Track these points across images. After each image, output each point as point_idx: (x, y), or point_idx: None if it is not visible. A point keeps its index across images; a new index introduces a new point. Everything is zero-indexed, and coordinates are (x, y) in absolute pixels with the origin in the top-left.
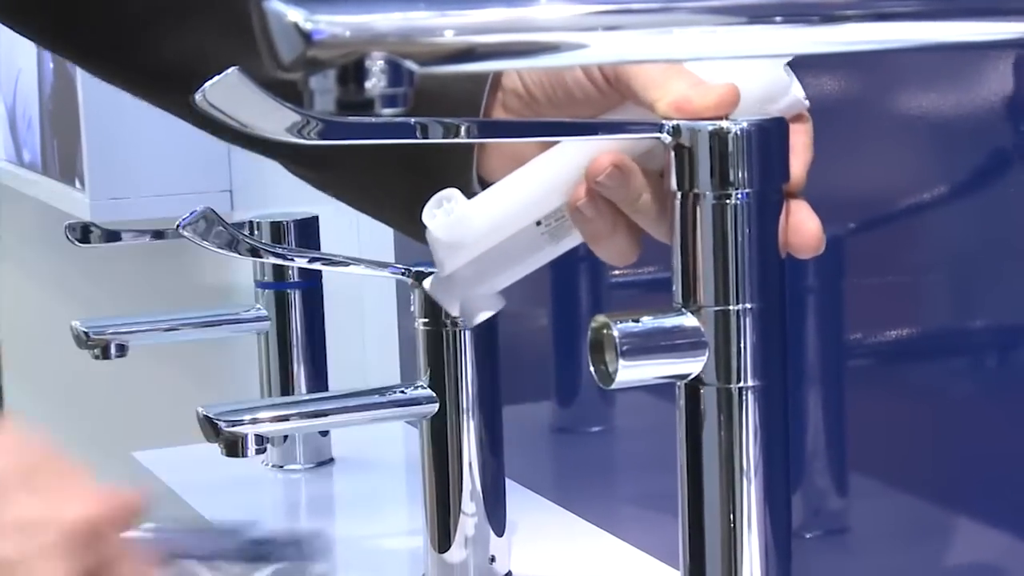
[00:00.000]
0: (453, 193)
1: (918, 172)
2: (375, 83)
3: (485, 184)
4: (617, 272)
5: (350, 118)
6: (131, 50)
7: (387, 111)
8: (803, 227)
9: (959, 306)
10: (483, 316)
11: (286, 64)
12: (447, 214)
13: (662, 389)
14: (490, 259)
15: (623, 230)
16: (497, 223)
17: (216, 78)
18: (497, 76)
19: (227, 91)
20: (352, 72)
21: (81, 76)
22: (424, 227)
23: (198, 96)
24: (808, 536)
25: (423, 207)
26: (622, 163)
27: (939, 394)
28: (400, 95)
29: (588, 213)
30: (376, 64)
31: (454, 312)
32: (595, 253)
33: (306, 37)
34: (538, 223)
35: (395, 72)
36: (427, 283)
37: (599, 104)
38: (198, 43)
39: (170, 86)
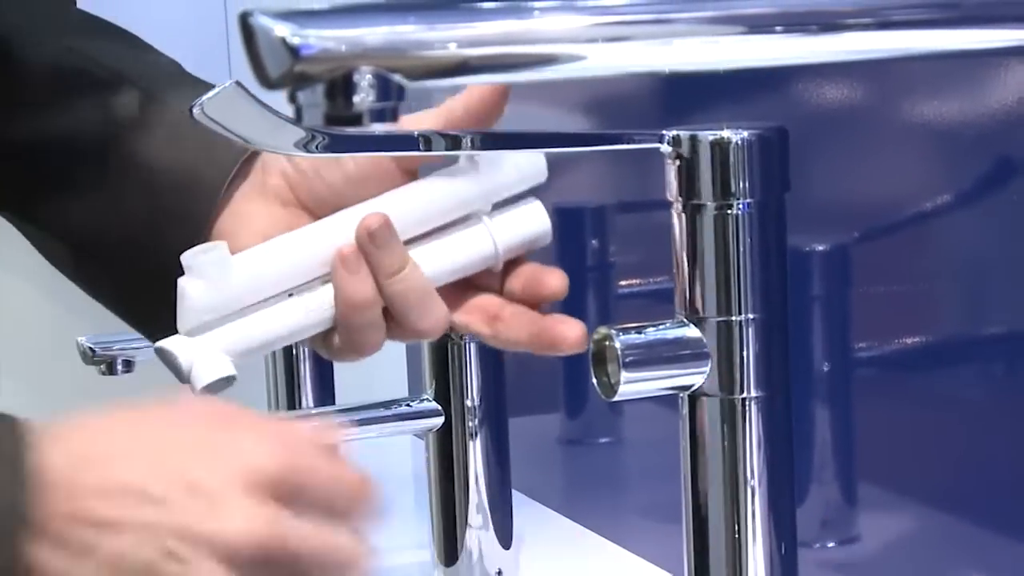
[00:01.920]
0: (220, 244)
1: (923, 180)
2: (363, 98)
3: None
4: (624, 283)
5: (348, 130)
6: (30, 217)
7: (376, 126)
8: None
9: (967, 314)
10: (213, 381)
11: (273, 79)
12: (208, 264)
13: (670, 400)
14: (234, 322)
15: (378, 311)
16: (255, 283)
17: (214, 90)
18: (247, 162)
19: (226, 104)
20: (340, 87)
21: None
22: (146, 318)
23: (196, 109)
24: (817, 546)
25: (143, 300)
26: (391, 224)
27: (949, 403)
28: (389, 109)
29: (351, 268)
30: (364, 78)
31: (182, 377)
32: (334, 342)
33: (294, 52)
34: (290, 294)
35: (384, 86)
36: (161, 343)
37: (381, 178)
38: (98, 210)
39: (66, 253)
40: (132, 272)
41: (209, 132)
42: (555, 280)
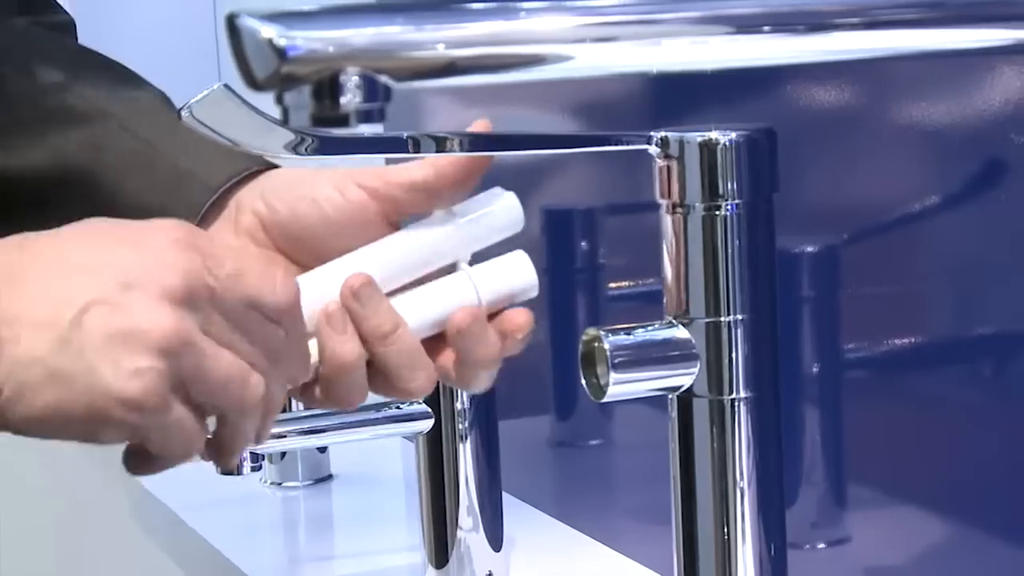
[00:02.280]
0: None
1: (911, 182)
2: (350, 99)
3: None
4: (614, 285)
5: (335, 132)
6: None
7: (362, 127)
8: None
9: (956, 315)
10: None
11: (260, 81)
12: None
13: (659, 401)
14: None
15: (363, 370)
16: None
17: (202, 93)
18: (220, 200)
19: (214, 108)
20: (327, 88)
21: None
22: None
23: (184, 112)
24: (807, 547)
25: None
26: (374, 283)
27: (938, 404)
28: (376, 110)
29: (337, 328)
30: (351, 79)
31: None
32: (315, 394)
33: (280, 53)
34: None
35: (370, 87)
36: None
37: (353, 218)
38: (35, 165)
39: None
40: None
41: (182, 167)
42: (521, 317)
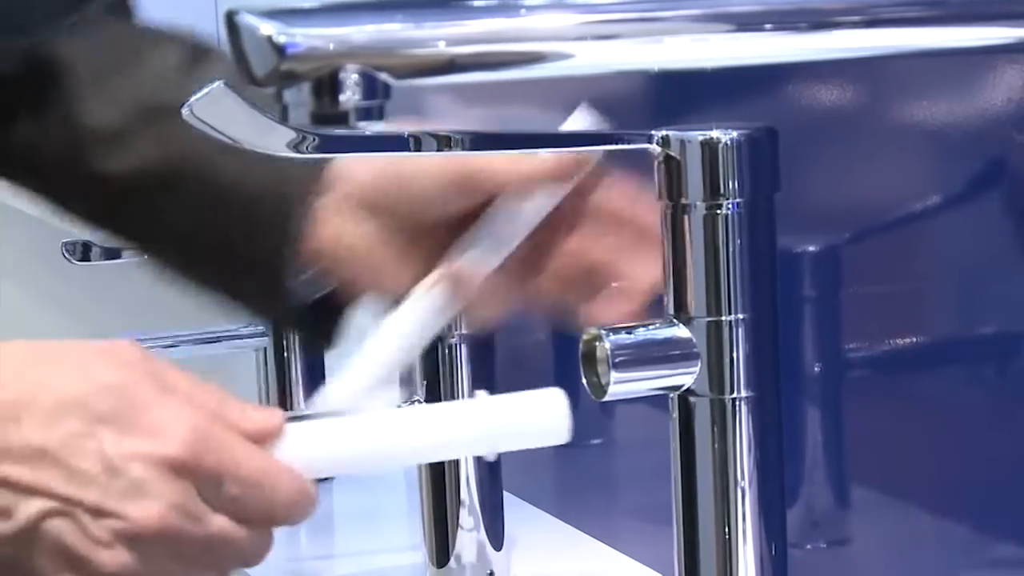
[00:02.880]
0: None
1: (913, 181)
2: (350, 96)
3: (307, 266)
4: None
5: (337, 131)
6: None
7: (362, 124)
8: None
9: (957, 315)
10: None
11: (259, 78)
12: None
13: (660, 400)
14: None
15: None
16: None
17: (202, 91)
18: (314, 183)
19: (215, 105)
20: (327, 85)
21: None
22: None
23: (185, 110)
24: (808, 547)
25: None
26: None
27: (940, 404)
28: (375, 107)
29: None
30: (350, 77)
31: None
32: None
33: (280, 50)
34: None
35: (370, 85)
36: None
37: (449, 201)
38: (49, 132)
39: (16, 175)
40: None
41: None
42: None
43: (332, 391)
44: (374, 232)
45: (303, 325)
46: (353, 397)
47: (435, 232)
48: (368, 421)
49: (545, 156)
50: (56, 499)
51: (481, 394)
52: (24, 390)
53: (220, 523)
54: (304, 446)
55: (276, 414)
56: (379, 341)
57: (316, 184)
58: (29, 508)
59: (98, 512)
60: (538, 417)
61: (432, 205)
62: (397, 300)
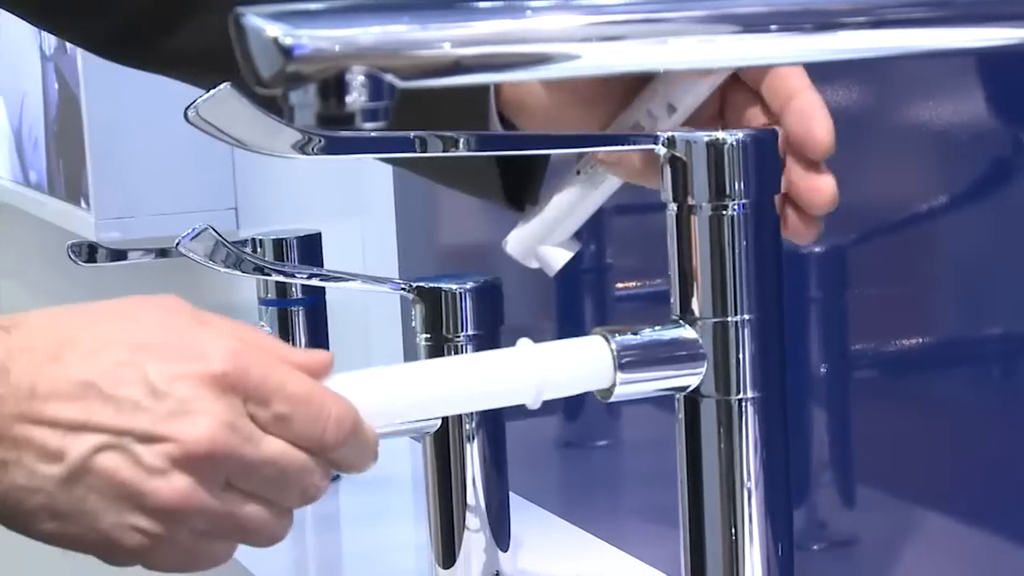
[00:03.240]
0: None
1: (919, 182)
2: (356, 97)
3: (507, 121)
4: (622, 285)
5: (342, 132)
6: (156, 37)
7: (368, 126)
8: (818, 187)
9: (963, 316)
10: (561, 264)
11: (266, 80)
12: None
13: (667, 401)
14: (548, 215)
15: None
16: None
17: (208, 93)
18: None
19: (220, 107)
20: (333, 87)
21: (86, 97)
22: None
23: (190, 112)
24: (816, 548)
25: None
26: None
27: (946, 404)
28: (381, 109)
29: (611, 160)
30: (356, 78)
31: (531, 264)
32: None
33: (286, 52)
34: (578, 172)
35: (376, 86)
36: (505, 243)
37: (608, 99)
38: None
39: (196, 68)
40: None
41: None
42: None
43: (509, 242)
44: (556, 93)
45: (499, 188)
46: (531, 242)
47: (613, 93)
48: (412, 371)
49: None
50: (106, 432)
51: (524, 341)
52: (64, 333)
53: (274, 445)
54: (350, 393)
55: (323, 352)
56: (553, 206)
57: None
58: (80, 446)
59: (149, 439)
60: (583, 363)
61: (586, 97)
62: (578, 163)
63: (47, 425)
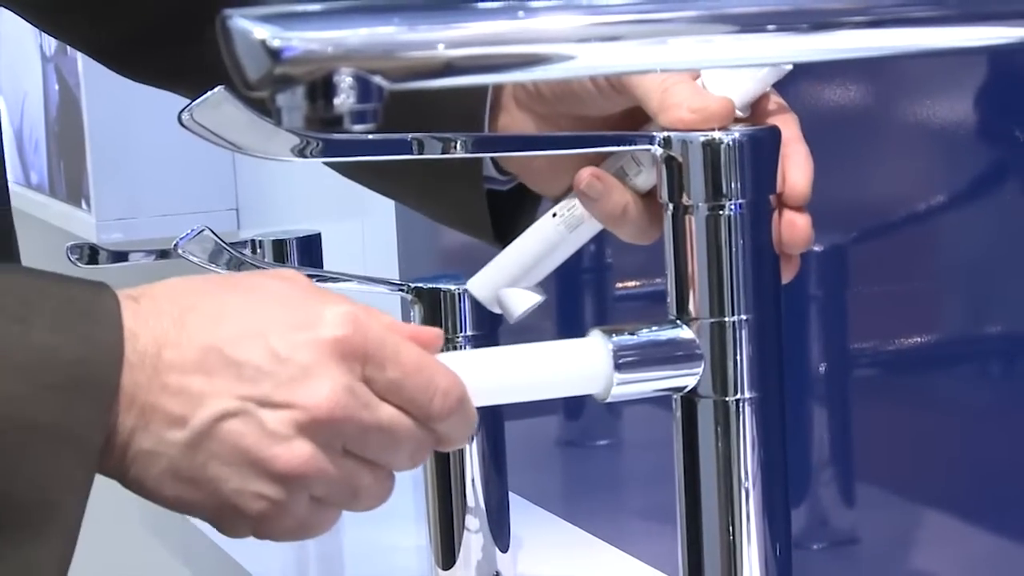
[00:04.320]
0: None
1: (917, 181)
2: (344, 99)
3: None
4: (621, 285)
5: (337, 136)
6: (157, 46)
7: (357, 128)
8: (795, 223)
9: (962, 315)
10: (524, 310)
11: (253, 82)
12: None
13: (667, 401)
14: (517, 256)
15: (635, 209)
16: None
17: (202, 98)
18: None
19: (215, 111)
20: (320, 88)
21: (86, 98)
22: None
23: (184, 115)
24: (816, 547)
25: (435, 190)
26: (601, 175)
27: (944, 403)
28: (369, 111)
29: (593, 193)
30: (344, 80)
31: (495, 309)
32: (617, 235)
33: (274, 55)
34: (554, 215)
35: (364, 88)
36: (468, 284)
37: (602, 105)
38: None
39: (196, 80)
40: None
41: None
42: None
43: (472, 284)
44: (534, 129)
45: (488, 223)
46: (498, 284)
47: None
48: (511, 354)
49: (687, 99)
50: (230, 398)
51: (595, 331)
52: (188, 300)
53: (388, 411)
54: (457, 369)
55: (433, 327)
56: (515, 248)
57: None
58: (203, 412)
59: (271, 404)
60: (580, 364)
61: (591, 102)
62: (557, 199)
63: (172, 391)
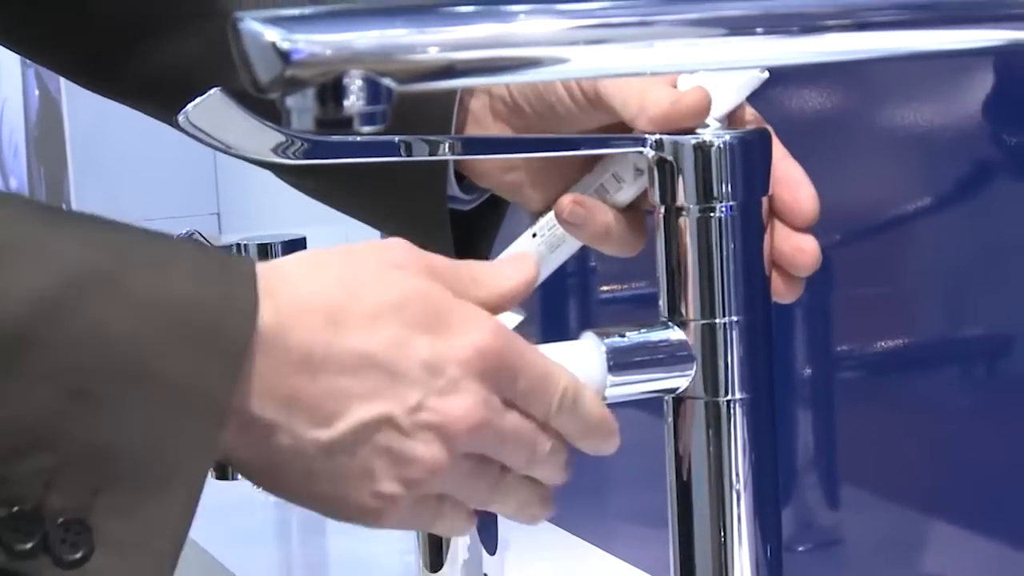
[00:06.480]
0: None
1: (903, 184)
2: (353, 101)
3: (465, 181)
4: (606, 288)
5: (332, 137)
6: (121, 62)
7: (366, 129)
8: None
9: (948, 317)
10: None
11: (263, 84)
12: None
13: (656, 404)
14: None
15: (617, 226)
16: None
17: (199, 99)
18: (460, 94)
19: (210, 112)
20: (331, 91)
21: (67, 102)
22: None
23: (181, 117)
24: (801, 549)
25: (399, 210)
26: (581, 200)
27: (930, 405)
28: (379, 113)
29: (577, 220)
30: (354, 82)
31: None
32: (601, 251)
33: (284, 57)
34: (534, 235)
35: (373, 90)
36: None
37: (580, 120)
38: (190, 53)
39: (162, 97)
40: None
41: None
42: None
43: None
44: (514, 173)
45: (450, 239)
46: None
47: (571, 165)
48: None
49: (664, 97)
50: (382, 403)
51: (588, 334)
52: (332, 300)
53: (515, 417)
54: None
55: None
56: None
57: (462, 95)
58: (354, 415)
59: (420, 413)
60: (573, 367)
61: (569, 117)
62: (536, 216)
63: (323, 391)
